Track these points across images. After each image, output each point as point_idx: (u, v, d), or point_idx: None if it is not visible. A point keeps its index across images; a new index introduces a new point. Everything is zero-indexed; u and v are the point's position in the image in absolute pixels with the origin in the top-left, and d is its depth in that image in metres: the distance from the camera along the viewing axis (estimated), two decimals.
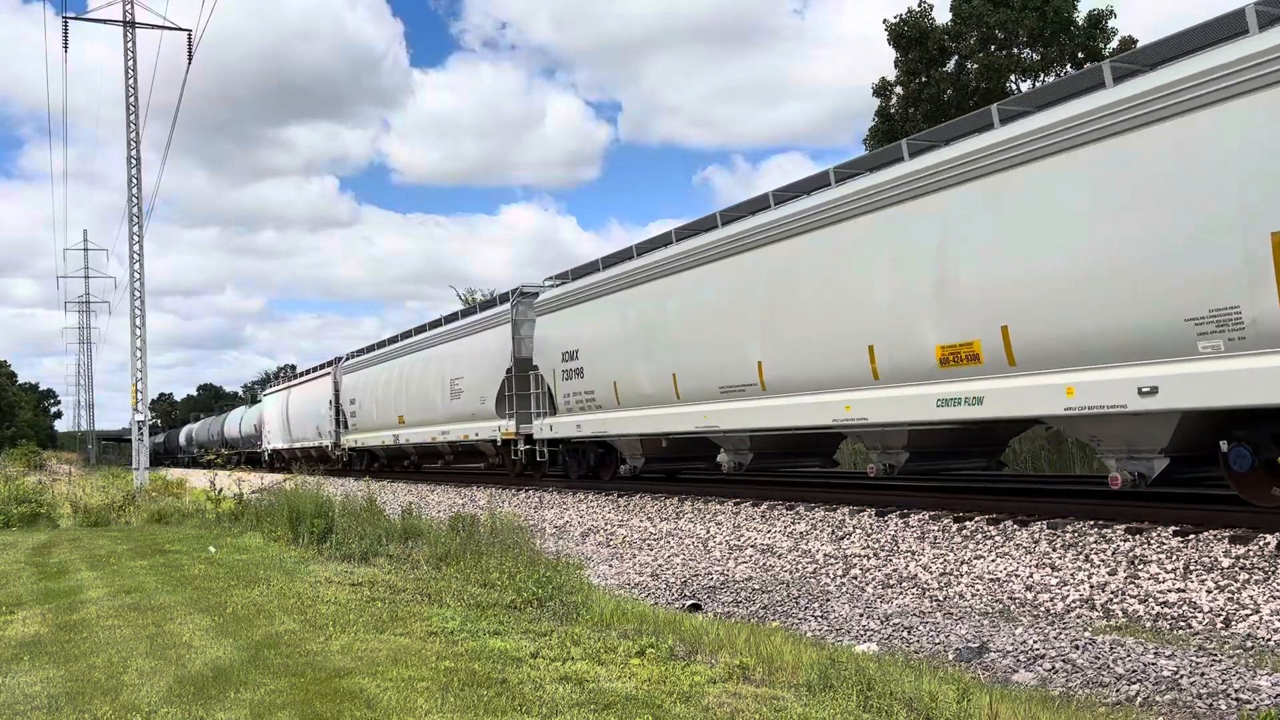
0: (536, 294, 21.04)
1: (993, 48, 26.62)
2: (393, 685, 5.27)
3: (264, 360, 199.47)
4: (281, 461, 42.48)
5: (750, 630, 6.93)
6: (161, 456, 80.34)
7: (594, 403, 17.93)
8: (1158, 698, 5.50)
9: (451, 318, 25.92)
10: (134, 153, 28.62)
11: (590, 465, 19.73)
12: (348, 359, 34.93)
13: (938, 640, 7.09)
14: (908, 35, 27.16)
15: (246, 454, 52.59)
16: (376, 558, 10.55)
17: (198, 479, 32.61)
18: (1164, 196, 8.38)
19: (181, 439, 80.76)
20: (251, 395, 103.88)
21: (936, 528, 10.39)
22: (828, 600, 8.65)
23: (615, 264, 17.80)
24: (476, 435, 22.89)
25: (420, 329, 28.48)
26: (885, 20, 27.63)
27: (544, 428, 19.98)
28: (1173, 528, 8.62)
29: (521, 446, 20.99)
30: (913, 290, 11.04)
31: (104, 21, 29.75)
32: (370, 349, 32.67)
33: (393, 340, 30.66)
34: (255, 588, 8.80)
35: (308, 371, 40.42)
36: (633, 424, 16.81)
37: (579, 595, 7.86)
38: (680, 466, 18.06)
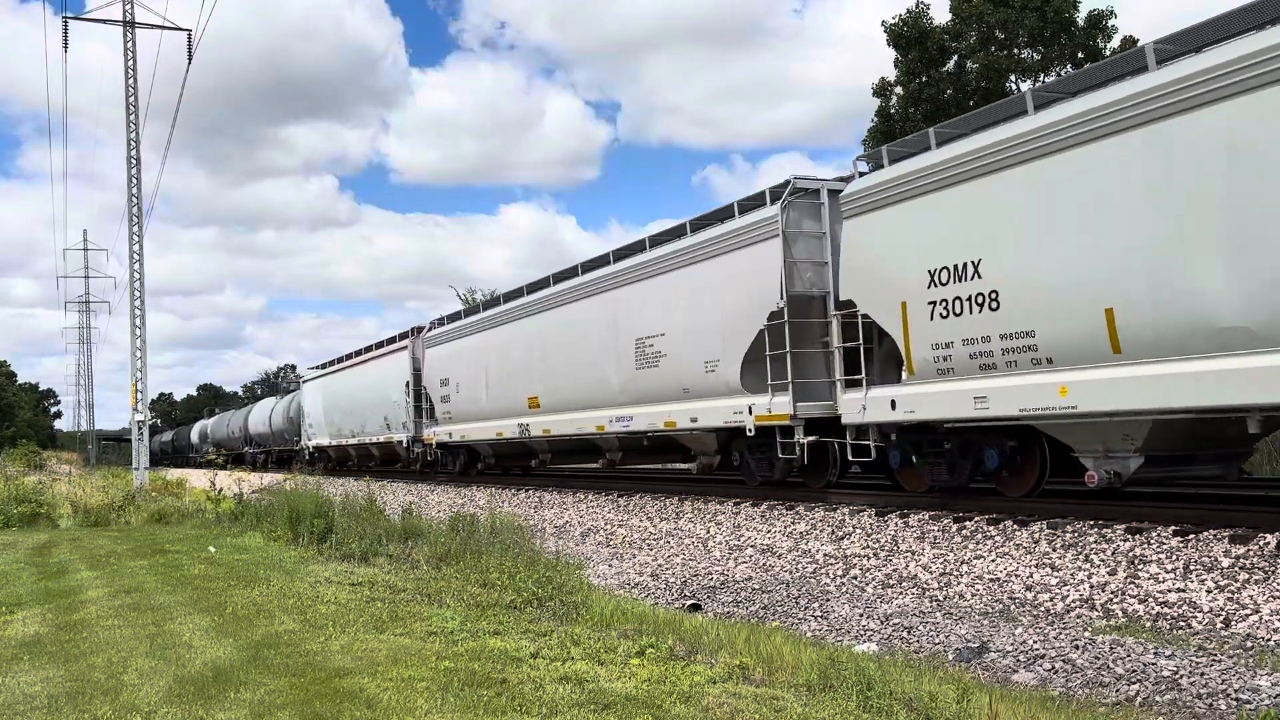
0: (818, 190, 13.27)
1: (993, 48, 26.65)
2: (392, 685, 5.27)
3: (264, 360, 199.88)
4: (329, 462, 34.62)
5: (750, 630, 6.93)
6: (170, 456, 76.81)
7: (1029, 354, 9.88)
8: (1158, 698, 5.51)
9: (632, 249, 17.33)
10: (134, 153, 28.62)
11: (962, 469, 11.77)
12: (433, 327, 26.97)
13: (938, 640, 7.09)
14: (907, 35, 27.20)
15: (279, 453, 44.62)
16: (376, 557, 10.55)
17: (198, 479, 32.59)
18: None
19: (194, 436, 70.25)
20: (252, 394, 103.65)
21: (936, 528, 10.39)
22: (828, 600, 8.65)
23: (1065, 96, 9.87)
24: (693, 422, 15.25)
25: (564, 274, 19.91)
26: (884, 21, 27.70)
27: (870, 405, 11.96)
28: (1173, 527, 8.63)
29: (800, 438, 13.12)
30: None
31: (104, 21, 29.75)
32: (473, 310, 25.35)
33: (515, 294, 22.19)
34: (255, 588, 8.81)
35: (371, 348, 31.76)
36: (1152, 390, 8.74)
37: (579, 595, 7.86)
38: (1169, 472, 10.15)
